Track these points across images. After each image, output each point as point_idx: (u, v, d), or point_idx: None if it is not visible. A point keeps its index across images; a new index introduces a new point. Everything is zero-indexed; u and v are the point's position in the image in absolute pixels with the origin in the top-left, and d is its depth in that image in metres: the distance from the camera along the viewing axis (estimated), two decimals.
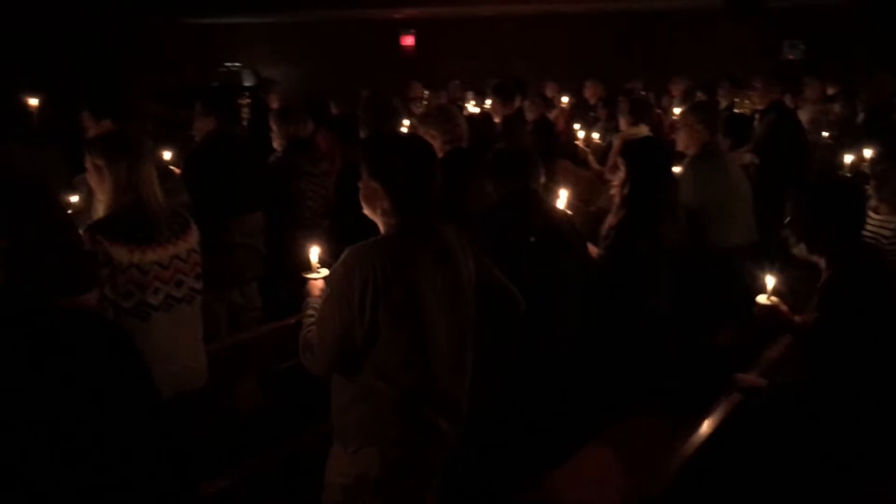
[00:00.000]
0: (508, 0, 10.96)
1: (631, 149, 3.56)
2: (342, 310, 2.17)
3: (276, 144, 4.52)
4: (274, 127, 4.53)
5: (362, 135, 3.95)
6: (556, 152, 5.21)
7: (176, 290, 2.84)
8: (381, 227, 2.31)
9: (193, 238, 2.93)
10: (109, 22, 10.36)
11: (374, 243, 2.23)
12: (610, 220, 3.48)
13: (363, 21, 12.66)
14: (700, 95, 7.41)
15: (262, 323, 4.16)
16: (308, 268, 2.54)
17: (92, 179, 2.83)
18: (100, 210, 2.81)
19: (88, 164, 2.81)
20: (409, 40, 12.98)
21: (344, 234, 3.14)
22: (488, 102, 7.15)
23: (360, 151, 2.36)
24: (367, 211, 2.32)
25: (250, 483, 2.85)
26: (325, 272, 2.49)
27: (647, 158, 3.46)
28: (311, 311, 2.38)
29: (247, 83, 12.72)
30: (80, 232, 2.75)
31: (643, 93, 8.19)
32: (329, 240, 3.13)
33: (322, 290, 2.42)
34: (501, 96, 6.29)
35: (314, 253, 2.54)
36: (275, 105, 6.15)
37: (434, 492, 2.38)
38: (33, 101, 6.75)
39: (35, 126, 6.73)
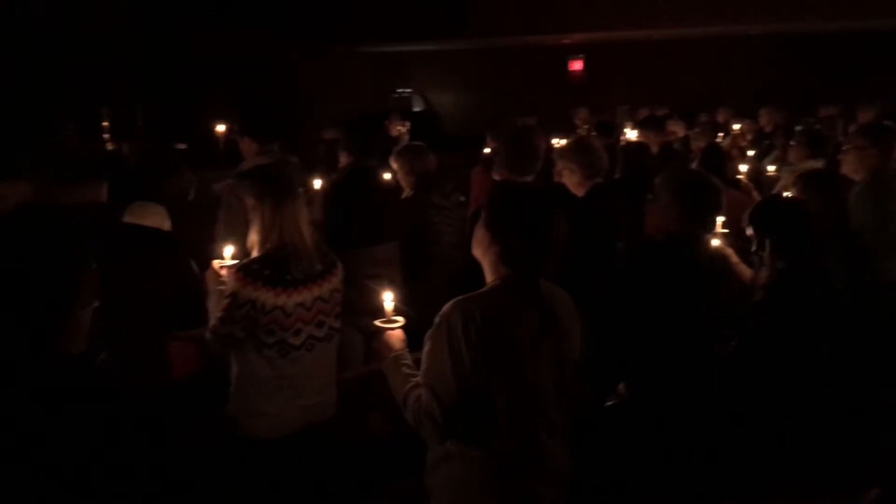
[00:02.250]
0: (683, 22, 10.49)
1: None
2: (456, 365, 2.08)
3: (403, 183, 4.55)
4: (398, 166, 4.54)
5: (496, 173, 3.83)
6: (726, 182, 4.86)
7: (317, 330, 2.86)
8: (488, 275, 2.23)
9: (337, 278, 2.94)
10: (288, 51, 10.91)
11: (479, 296, 2.15)
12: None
13: (531, 47, 12.62)
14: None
15: None
16: (381, 315, 2.41)
17: (251, 214, 2.86)
18: (253, 244, 2.84)
19: (245, 201, 2.87)
20: (577, 65, 12.79)
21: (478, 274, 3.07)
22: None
23: (486, 197, 2.31)
24: (476, 254, 2.25)
25: None
26: (400, 321, 2.39)
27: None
28: (406, 371, 2.28)
29: (416, 108, 13.03)
30: (226, 268, 2.92)
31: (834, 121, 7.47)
32: (460, 276, 3.04)
33: (401, 342, 2.35)
34: (651, 127, 6.00)
35: (388, 300, 2.41)
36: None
37: None
38: (220, 128, 7.26)
39: (221, 152, 7.25)
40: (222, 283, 3.09)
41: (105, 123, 7.99)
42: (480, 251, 2.23)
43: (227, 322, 2.71)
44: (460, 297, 2.13)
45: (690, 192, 2.66)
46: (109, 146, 7.00)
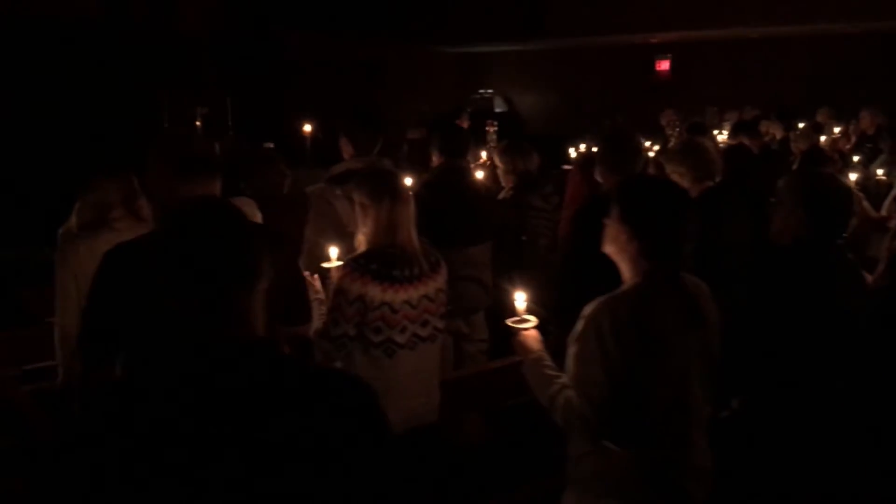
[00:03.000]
0: (774, 20, 10.15)
1: None
2: (607, 365, 2.07)
3: (503, 181, 4.48)
4: (501, 163, 4.49)
5: (598, 174, 3.75)
6: None
7: (422, 329, 2.85)
8: (626, 273, 2.19)
9: (443, 277, 2.93)
10: (375, 51, 11.01)
11: (624, 294, 2.13)
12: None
13: (616, 46, 12.41)
14: None
15: (488, 355, 4.13)
16: (513, 314, 2.38)
17: (357, 214, 2.89)
18: (361, 244, 2.86)
19: (355, 200, 2.88)
20: (664, 65, 12.52)
21: (576, 276, 2.99)
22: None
23: (615, 193, 2.27)
24: (610, 251, 2.22)
25: None
26: (533, 321, 2.36)
27: None
28: (549, 372, 2.26)
29: (498, 109, 12.98)
30: (335, 264, 2.92)
31: None
32: (557, 278, 2.99)
33: (538, 342, 2.33)
34: (745, 131, 5.81)
35: (520, 299, 2.38)
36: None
37: None
38: (307, 128, 7.38)
39: (308, 151, 7.37)
40: (318, 293, 3.11)
41: (198, 123, 8.25)
42: (617, 248, 2.19)
43: (341, 321, 2.71)
44: (604, 297, 2.11)
45: (819, 196, 2.53)
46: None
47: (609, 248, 2.23)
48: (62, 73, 7.79)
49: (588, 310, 2.12)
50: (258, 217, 3.27)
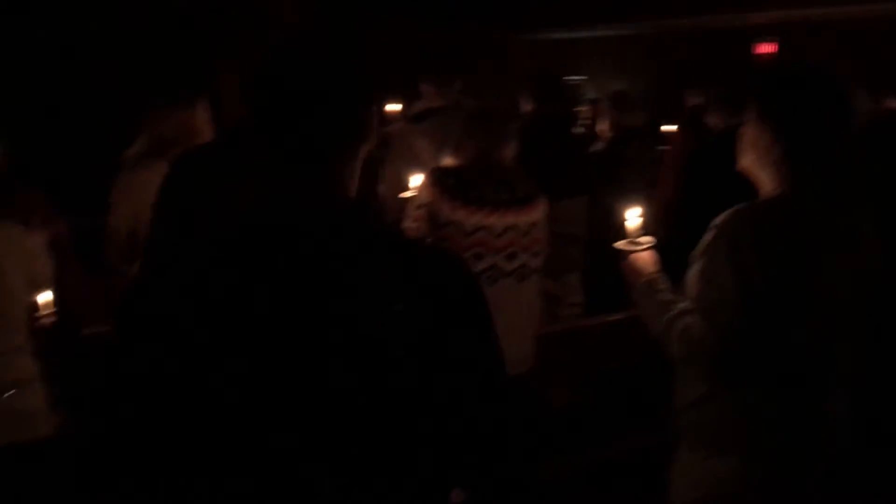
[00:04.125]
0: None
1: None
2: (743, 283, 1.71)
3: (601, 134, 4.25)
4: (603, 113, 4.25)
5: (711, 118, 3.45)
6: None
7: (506, 262, 2.60)
8: (767, 185, 1.85)
9: (538, 213, 2.68)
10: (451, 37, 10.90)
11: (767, 203, 1.80)
12: None
13: (712, 30, 11.86)
14: None
15: (581, 318, 3.84)
16: (626, 235, 2.09)
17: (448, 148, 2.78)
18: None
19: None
20: (765, 48, 11.87)
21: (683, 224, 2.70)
22: None
23: (755, 90, 1.93)
24: (747, 164, 1.88)
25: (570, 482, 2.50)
26: (648, 240, 2.06)
27: None
28: (665, 297, 1.92)
29: (588, 97, 12.58)
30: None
31: None
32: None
33: (653, 264, 2.00)
34: None
35: (634, 216, 2.09)
36: None
37: None
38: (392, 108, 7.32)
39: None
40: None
41: None
42: (756, 155, 1.85)
43: (407, 220, 2.61)
44: (742, 205, 1.77)
45: None
46: None
47: (746, 159, 1.88)
48: None
49: (720, 219, 1.77)
50: None
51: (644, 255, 2.04)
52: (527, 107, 3.95)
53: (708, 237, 1.79)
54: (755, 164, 1.87)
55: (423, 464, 1.13)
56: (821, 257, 1.76)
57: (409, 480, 1.12)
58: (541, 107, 3.89)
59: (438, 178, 2.57)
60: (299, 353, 1.07)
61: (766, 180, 1.85)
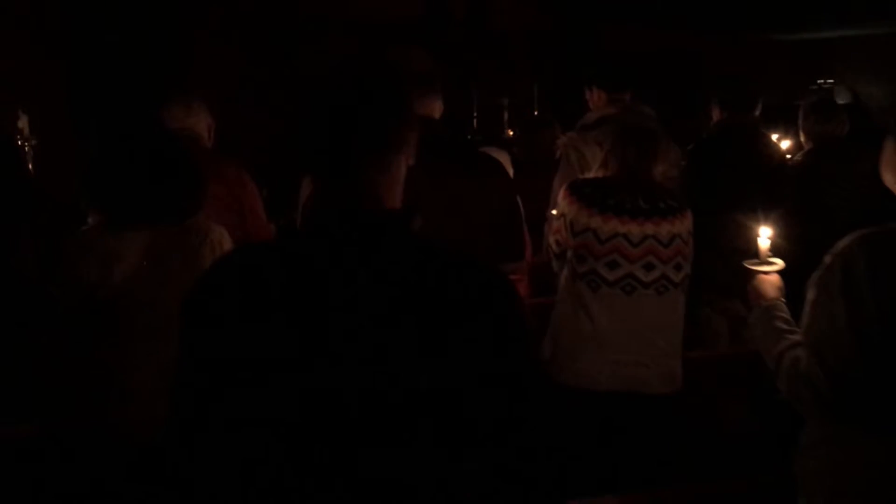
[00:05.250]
0: None
1: None
2: (855, 317, 1.60)
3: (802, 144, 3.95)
4: (800, 122, 3.97)
5: None
6: None
7: (644, 273, 2.57)
8: None
9: (683, 224, 2.62)
10: (683, 41, 10.58)
11: (887, 231, 1.66)
12: None
13: None
14: None
15: None
16: (756, 256, 1.98)
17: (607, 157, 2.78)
18: None
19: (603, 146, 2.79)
20: None
21: None
22: None
23: None
24: (888, 178, 1.78)
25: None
26: (778, 264, 1.92)
27: None
28: (782, 325, 1.82)
29: (840, 101, 11.55)
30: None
31: None
32: None
33: (777, 289, 1.90)
34: None
35: (765, 236, 1.96)
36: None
37: None
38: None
39: None
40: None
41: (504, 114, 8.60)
42: (893, 172, 1.74)
43: (548, 232, 2.76)
44: (866, 230, 1.65)
45: None
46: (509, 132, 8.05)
47: (888, 175, 1.76)
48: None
49: (841, 244, 1.66)
50: (509, 167, 3.22)
51: (770, 277, 1.94)
52: (716, 115, 3.76)
53: (824, 263, 1.65)
54: (891, 179, 1.69)
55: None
56: None
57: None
58: (730, 114, 3.68)
59: (576, 188, 2.60)
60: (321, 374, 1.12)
61: None
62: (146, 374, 2.08)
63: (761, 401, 3.17)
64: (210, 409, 1.17)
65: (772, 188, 3.55)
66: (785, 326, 1.80)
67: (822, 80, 12.04)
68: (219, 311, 1.19)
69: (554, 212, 2.71)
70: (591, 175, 2.76)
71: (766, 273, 1.96)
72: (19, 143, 4.07)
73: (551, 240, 2.75)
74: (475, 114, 8.54)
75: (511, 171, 3.16)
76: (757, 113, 3.82)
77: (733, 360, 3.27)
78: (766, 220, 2.02)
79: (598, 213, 2.52)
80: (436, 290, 1.15)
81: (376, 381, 1.10)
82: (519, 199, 2.60)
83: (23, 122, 4.30)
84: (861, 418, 1.63)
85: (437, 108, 2.69)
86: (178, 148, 2.30)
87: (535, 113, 8.53)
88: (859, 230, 1.65)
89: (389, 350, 1.11)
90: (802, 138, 4.06)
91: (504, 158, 3.01)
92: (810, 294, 1.69)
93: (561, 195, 2.64)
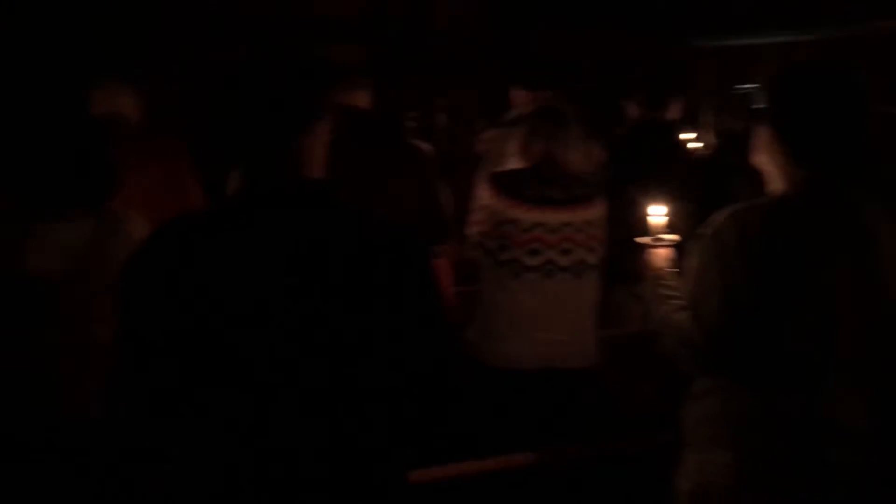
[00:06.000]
0: None
1: None
2: (726, 282, 1.78)
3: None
4: (712, 121, 4.22)
5: None
6: None
7: (561, 257, 2.75)
8: (774, 183, 1.91)
9: (597, 210, 2.81)
10: (626, 48, 10.82)
11: (763, 204, 1.84)
12: None
13: (890, 35, 10.93)
14: None
15: None
16: (648, 232, 2.16)
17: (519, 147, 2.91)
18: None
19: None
20: None
21: None
22: None
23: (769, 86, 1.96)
24: (759, 160, 1.94)
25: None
26: (671, 239, 2.11)
27: None
28: (666, 292, 2.01)
29: (755, 106, 12.00)
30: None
31: None
32: None
33: (666, 260, 2.08)
34: None
35: (657, 213, 2.15)
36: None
37: None
38: None
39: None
40: None
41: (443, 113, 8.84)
42: (766, 156, 1.91)
43: (470, 223, 2.81)
44: (737, 206, 1.83)
45: None
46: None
47: (758, 159, 1.94)
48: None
49: (715, 218, 1.85)
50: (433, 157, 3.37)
51: (661, 251, 2.12)
52: (633, 113, 4.00)
53: (702, 234, 1.84)
54: (765, 163, 1.89)
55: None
56: (816, 260, 1.75)
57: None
58: (644, 111, 3.92)
59: (496, 180, 2.73)
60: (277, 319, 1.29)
61: (773, 179, 1.87)
62: (64, 362, 2.06)
63: (670, 377, 3.40)
64: (153, 380, 1.31)
65: (681, 178, 3.80)
66: (669, 293, 1.98)
67: (741, 85, 12.49)
68: (156, 284, 1.31)
69: (476, 204, 2.82)
70: (510, 166, 2.90)
71: (658, 247, 2.14)
72: None
73: (474, 231, 2.87)
74: (413, 112, 8.69)
75: (435, 161, 3.32)
76: (675, 114, 4.07)
77: (643, 339, 3.47)
78: (658, 200, 2.20)
79: (518, 203, 2.69)
80: (360, 248, 1.36)
81: (307, 334, 1.29)
82: (443, 185, 2.76)
83: None
84: (732, 372, 1.83)
85: (363, 100, 2.84)
86: (91, 133, 2.28)
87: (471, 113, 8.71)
88: (732, 206, 1.85)
89: (319, 304, 1.31)
90: (713, 135, 4.33)
91: (428, 149, 3.17)
92: (691, 262, 1.88)
93: (483, 187, 2.78)
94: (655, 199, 2.22)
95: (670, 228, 2.19)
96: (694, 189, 3.84)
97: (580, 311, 2.84)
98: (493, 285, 2.77)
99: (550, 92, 3.72)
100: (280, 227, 1.32)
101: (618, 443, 2.63)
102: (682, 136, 4.38)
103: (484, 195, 2.77)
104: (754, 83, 12.65)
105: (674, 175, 3.76)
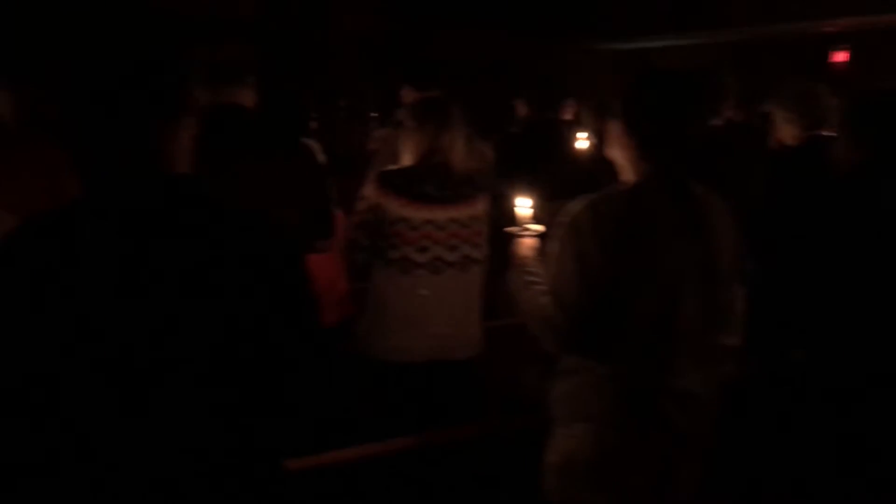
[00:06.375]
0: None
1: None
2: (583, 267, 1.92)
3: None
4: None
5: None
6: None
7: (448, 253, 2.82)
8: (625, 173, 2.07)
9: (481, 206, 2.90)
10: (521, 50, 11.06)
11: (613, 193, 2.00)
12: None
13: (785, 37, 11.60)
14: None
15: None
16: (514, 223, 2.29)
17: (407, 138, 2.94)
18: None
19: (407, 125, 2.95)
20: (840, 56, 11.51)
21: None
22: None
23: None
24: (613, 154, 2.09)
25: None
26: (536, 229, 2.24)
27: None
28: (530, 279, 2.13)
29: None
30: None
31: None
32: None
33: (531, 250, 2.21)
34: None
35: (524, 206, 2.28)
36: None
37: (675, 489, 2.04)
38: None
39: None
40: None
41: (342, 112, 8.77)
42: (617, 149, 2.06)
43: (355, 226, 2.79)
44: (592, 195, 1.98)
45: None
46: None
47: (611, 151, 2.09)
48: None
49: (573, 207, 1.99)
50: (320, 155, 3.42)
51: (526, 240, 2.24)
52: (522, 111, 4.13)
53: (562, 223, 1.98)
54: (618, 156, 2.05)
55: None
56: (660, 245, 1.92)
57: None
58: (534, 111, 4.06)
59: (386, 179, 2.80)
60: (137, 316, 1.28)
61: (625, 170, 2.03)
62: None
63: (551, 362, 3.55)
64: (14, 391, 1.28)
65: (566, 175, 3.97)
66: (533, 279, 2.11)
67: None
68: (14, 289, 1.28)
69: (363, 204, 2.83)
70: (399, 165, 2.95)
71: (524, 237, 2.26)
72: None
73: (359, 233, 2.83)
74: (312, 112, 8.66)
75: (321, 159, 3.38)
76: (566, 114, 4.23)
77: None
78: (524, 192, 2.33)
79: (408, 202, 2.75)
80: (225, 243, 1.37)
81: (173, 333, 1.31)
82: (330, 182, 2.81)
83: None
84: (589, 350, 1.97)
85: (247, 98, 2.87)
86: None
87: (372, 113, 8.76)
88: (587, 195, 1.99)
89: (182, 301, 1.32)
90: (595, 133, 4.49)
91: (315, 147, 3.22)
92: (552, 248, 2.02)
93: (371, 186, 2.81)
94: (522, 191, 2.35)
95: (535, 219, 2.32)
96: (579, 185, 4.02)
97: (466, 305, 2.93)
98: (382, 282, 2.83)
99: (438, 91, 3.80)
100: (140, 224, 1.31)
101: (494, 424, 2.75)
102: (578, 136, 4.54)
103: (372, 194, 2.81)
104: None
105: (561, 173, 3.94)
